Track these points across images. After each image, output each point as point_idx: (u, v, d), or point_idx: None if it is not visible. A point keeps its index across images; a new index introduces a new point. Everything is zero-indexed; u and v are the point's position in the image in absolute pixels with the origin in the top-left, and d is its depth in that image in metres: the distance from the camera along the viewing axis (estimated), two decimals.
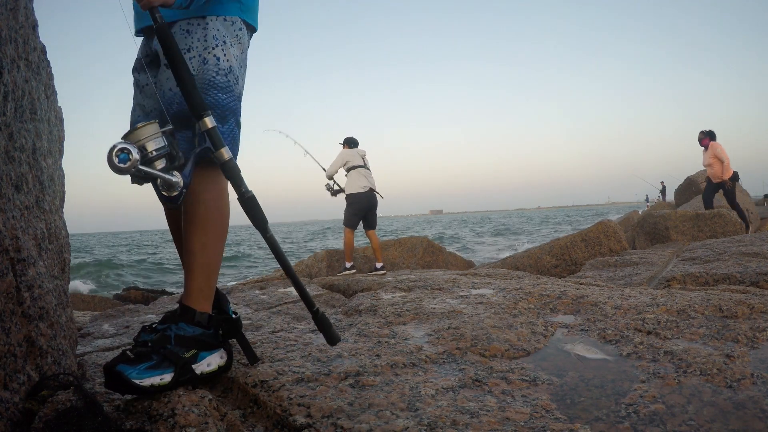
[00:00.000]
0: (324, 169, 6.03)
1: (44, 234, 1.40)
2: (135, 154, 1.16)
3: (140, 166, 1.19)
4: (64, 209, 1.62)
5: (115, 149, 1.15)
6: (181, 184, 1.27)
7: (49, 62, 1.57)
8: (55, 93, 1.62)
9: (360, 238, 6.11)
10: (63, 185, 1.63)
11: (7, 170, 1.23)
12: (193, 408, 1.13)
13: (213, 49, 1.42)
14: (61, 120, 1.67)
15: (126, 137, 1.24)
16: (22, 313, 1.19)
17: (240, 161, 1.43)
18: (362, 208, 5.57)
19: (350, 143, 5.82)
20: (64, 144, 1.68)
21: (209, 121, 1.29)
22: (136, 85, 1.53)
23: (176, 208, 1.34)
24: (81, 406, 1.13)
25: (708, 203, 8.35)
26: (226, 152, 1.30)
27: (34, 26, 1.47)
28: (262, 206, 1.35)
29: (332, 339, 1.45)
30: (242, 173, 1.35)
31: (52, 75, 1.60)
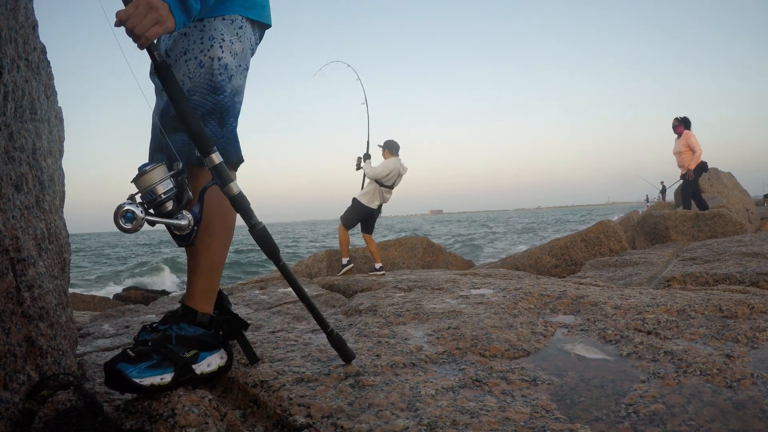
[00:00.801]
0: (368, 134, 5.81)
1: (44, 234, 1.40)
2: (139, 213, 1.18)
3: (148, 217, 1.21)
4: (64, 209, 1.62)
5: (121, 210, 1.17)
6: (192, 222, 1.29)
7: (49, 62, 1.57)
8: (55, 93, 1.62)
9: (359, 238, 6.10)
10: (63, 185, 1.63)
11: (7, 170, 1.23)
12: (193, 408, 1.13)
13: (209, 50, 1.41)
14: (61, 120, 1.67)
15: (136, 181, 1.25)
16: (22, 313, 1.19)
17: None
18: (363, 216, 5.59)
19: (391, 149, 5.53)
20: (64, 144, 1.68)
21: (216, 158, 1.29)
22: (156, 88, 1.54)
23: (190, 245, 1.35)
24: (81, 406, 1.13)
25: (686, 201, 8.14)
26: (234, 187, 1.31)
27: (34, 26, 1.47)
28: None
29: (347, 357, 1.47)
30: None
31: (52, 75, 1.60)
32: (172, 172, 1.28)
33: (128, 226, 1.17)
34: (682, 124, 7.97)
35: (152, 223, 1.24)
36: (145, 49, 1.26)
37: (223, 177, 1.30)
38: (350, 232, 5.68)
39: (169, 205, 1.27)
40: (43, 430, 1.07)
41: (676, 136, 8.04)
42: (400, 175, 5.55)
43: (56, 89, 1.63)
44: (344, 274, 5.14)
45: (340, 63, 6.24)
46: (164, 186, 1.25)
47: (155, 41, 1.27)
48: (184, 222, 1.28)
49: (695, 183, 8.01)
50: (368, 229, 5.66)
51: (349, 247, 5.79)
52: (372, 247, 5.67)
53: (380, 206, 5.60)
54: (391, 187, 5.56)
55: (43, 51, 1.53)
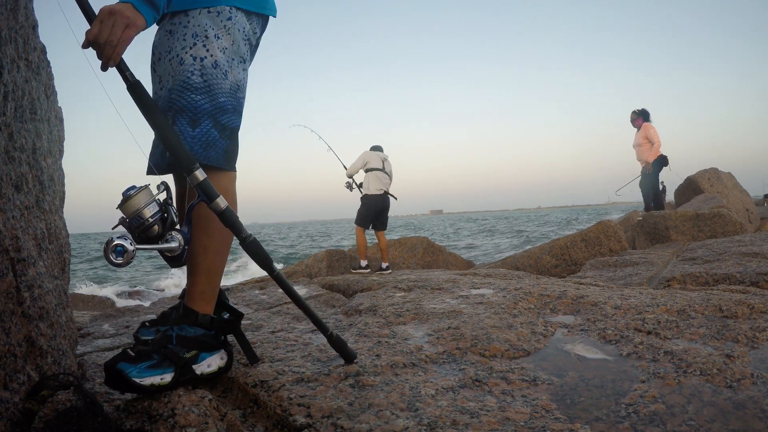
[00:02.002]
0: (345, 167, 6.27)
1: (44, 234, 1.40)
2: (129, 246, 1.17)
3: (139, 246, 1.20)
4: (64, 209, 1.62)
5: (111, 245, 1.16)
6: (183, 242, 1.29)
7: (49, 62, 1.57)
8: (55, 93, 1.62)
9: (369, 238, 6.17)
10: (63, 185, 1.63)
11: (7, 170, 1.23)
12: (193, 408, 1.13)
13: (191, 48, 1.38)
14: (61, 120, 1.67)
15: (121, 207, 1.25)
16: (22, 313, 1.19)
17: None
18: (375, 209, 5.79)
19: (372, 148, 6.07)
20: (64, 144, 1.68)
21: (199, 175, 1.29)
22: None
23: (182, 265, 1.35)
24: (81, 406, 1.13)
25: (647, 199, 7.87)
26: (221, 202, 1.31)
27: (34, 26, 1.47)
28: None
29: (349, 357, 1.48)
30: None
31: (52, 75, 1.60)
32: (156, 194, 1.29)
33: (119, 260, 1.15)
34: (640, 117, 7.69)
35: (142, 250, 1.24)
36: (115, 68, 1.25)
37: (208, 193, 1.30)
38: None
39: (157, 228, 1.26)
40: (43, 430, 1.07)
41: (636, 129, 7.77)
42: (381, 160, 5.89)
43: (56, 89, 1.63)
44: (359, 273, 5.26)
45: (302, 127, 6.86)
46: (150, 209, 1.25)
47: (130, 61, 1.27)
48: (175, 244, 1.28)
49: (655, 178, 7.72)
50: (381, 225, 5.84)
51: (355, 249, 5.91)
52: (382, 244, 5.83)
53: (386, 193, 5.76)
54: (383, 170, 5.84)
55: (43, 51, 1.53)
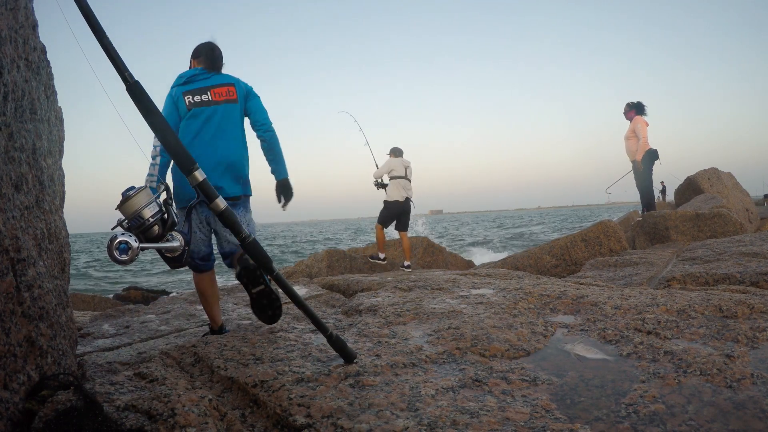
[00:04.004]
0: (377, 165, 6.61)
1: (44, 234, 1.40)
2: (133, 243, 1.17)
3: (142, 245, 1.21)
4: (64, 209, 1.62)
5: (115, 241, 1.16)
6: (183, 242, 1.29)
7: (49, 62, 1.57)
8: (55, 93, 1.62)
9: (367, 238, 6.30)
10: (63, 185, 1.63)
11: (7, 170, 1.23)
12: (193, 408, 1.13)
13: None
14: (61, 120, 1.67)
15: (121, 207, 1.26)
16: (22, 313, 1.19)
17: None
18: (395, 213, 6.19)
19: (395, 152, 6.42)
20: (64, 144, 1.68)
21: (199, 175, 1.30)
22: None
23: (182, 266, 1.36)
24: (81, 406, 1.13)
25: (643, 197, 7.63)
26: (221, 202, 1.33)
27: (34, 26, 1.47)
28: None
29: (349, 357, 1.49)
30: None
31: (52, 75, 1.59)
32: (156, 194, 1.29)
33: (124, 257, 1.14)
34: (633, 110, 7.43)
35: (144, 249, 1.24)
36: (114, 68, 1.27)
37: (208, 194, 1.30)
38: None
39: (157, 229, 1.26)
40: (43, 430, 1.07)
41: (629, 122, 7.50)
42: (405, 167, 6.25)
43: (56, 89, 1.63)
44: (373, 263, 5.50)
45: (344, 114, 7.04)
46: (151, 209, 1.25)
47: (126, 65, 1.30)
48: (176, 243, 1.28)
49: (647, 175, 7.44)
50: (402, 226, 6.23)
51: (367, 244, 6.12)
52: (405, 244, 6.18)
53: (407, 199, 6.18)
54: (405, 178, 6.19)
55: (43, 51, 1.53)
